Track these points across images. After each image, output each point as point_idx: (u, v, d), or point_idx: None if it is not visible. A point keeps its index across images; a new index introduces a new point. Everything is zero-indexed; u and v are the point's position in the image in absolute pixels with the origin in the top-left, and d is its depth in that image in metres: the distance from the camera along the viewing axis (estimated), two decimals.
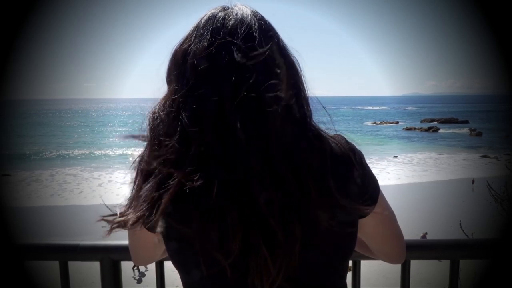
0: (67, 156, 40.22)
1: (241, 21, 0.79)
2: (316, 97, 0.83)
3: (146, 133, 0.81)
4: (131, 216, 0.75)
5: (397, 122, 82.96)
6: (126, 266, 1.32)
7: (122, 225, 0.77)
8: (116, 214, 0.79)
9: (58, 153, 41.75)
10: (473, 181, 25.43)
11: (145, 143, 0.79)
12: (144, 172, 0.77)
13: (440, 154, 41.95)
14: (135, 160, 0.81)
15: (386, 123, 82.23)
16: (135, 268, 14.24)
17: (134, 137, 0.82)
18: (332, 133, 0.83)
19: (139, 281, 14.20)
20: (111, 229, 0.80)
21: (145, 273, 14.47)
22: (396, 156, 40.08)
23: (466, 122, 78.35)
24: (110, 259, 1.29)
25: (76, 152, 41.18)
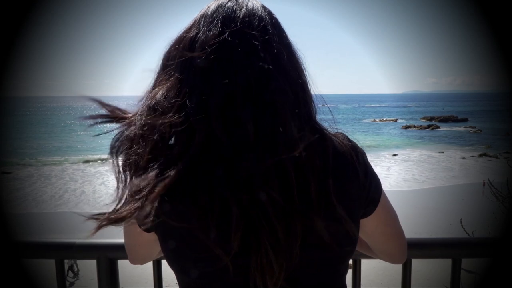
0: (65, 161, 39.98)
1: (252, 12, 0.77)
2: (321, 95, 0.81)
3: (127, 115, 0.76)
4: (125, 210, 0.70)
5: (396, 120, 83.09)
6: (124, 265, 1.30)
7: (115, 221, 0.71)
8: (105, 213, 0.72)
9: (56, 157, 41.51)
10: (484, 183, 20.84)
11: (134, 135, 0.73)
12: (136, 166, 0.71)
13: (440, 152, 41.93)
14: (124, 154, 0.75)
15: (385, 121, 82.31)
16: (69, 269, 12.73)
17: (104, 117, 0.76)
18: (334, 131, 0.81)
19: (72, 283, 12.55)
20: (99, 227, 0.71)
21: (79, 275, 12.77)
22: (395, 154, 40.05)
23: (466, 120, 78.40)
24: (107, 257, 1.27)
25: (76, 156, 40.86)
